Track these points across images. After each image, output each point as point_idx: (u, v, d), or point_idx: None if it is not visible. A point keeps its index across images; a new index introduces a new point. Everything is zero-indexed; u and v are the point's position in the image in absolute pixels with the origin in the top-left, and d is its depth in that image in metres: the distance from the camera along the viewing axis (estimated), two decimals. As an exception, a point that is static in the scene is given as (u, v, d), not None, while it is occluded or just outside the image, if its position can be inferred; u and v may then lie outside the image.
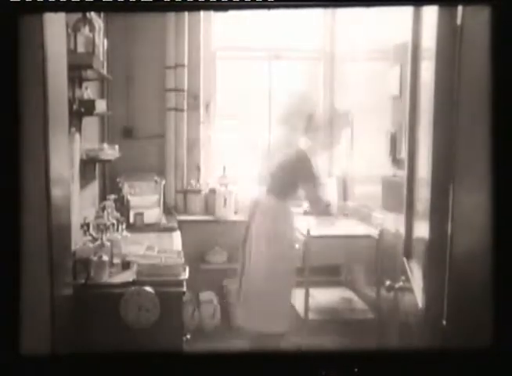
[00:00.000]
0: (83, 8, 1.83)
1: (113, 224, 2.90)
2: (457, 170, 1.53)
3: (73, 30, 2.69)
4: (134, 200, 3.92)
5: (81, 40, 2.69)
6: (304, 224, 3.70)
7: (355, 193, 4.25)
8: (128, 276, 2.60)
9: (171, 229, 3.83)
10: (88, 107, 2.99)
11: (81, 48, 2.69)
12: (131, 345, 2.36)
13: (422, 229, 1.80)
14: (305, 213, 4.27)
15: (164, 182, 4.29)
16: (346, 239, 3.72)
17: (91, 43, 2.75)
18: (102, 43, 3.05)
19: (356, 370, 1.35)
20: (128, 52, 4.37)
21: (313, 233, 3.59)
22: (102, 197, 3.95)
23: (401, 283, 2.05)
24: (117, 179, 4.15)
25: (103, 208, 3.24)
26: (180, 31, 4.38)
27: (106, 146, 3.51)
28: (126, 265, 2.71)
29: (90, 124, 3.47)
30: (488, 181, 1.28)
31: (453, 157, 1.54)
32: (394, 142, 3.36)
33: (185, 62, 4.41)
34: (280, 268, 3.48)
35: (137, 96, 4.46)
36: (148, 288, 2.46)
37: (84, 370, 1.41)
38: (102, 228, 2.81)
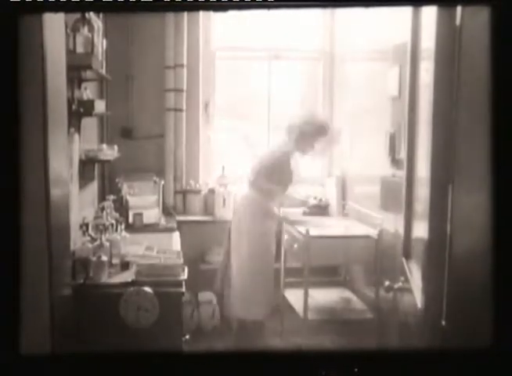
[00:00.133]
0: (82, 8, 1.83)
1: (112, 224, 2.90)
2: (456, 170, 1.53)
3: (73, 30, 2.68)
4: (133, 201, 3.91)
5: (80, 40, 2.69)
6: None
7: (355, 193, 4.25)
8: (127, 276, 2.60)
9: (170, 230, 3.83)
10: (87, 107, 2.98)
11: (80, 49, 2.68)
12: (130, 345, 2.36)
13: (421, 230, 1.80)
14: (305, 213, 4.29)
15: (163, 182, 4.28)
16: (345, 239, 3.72)
17: (91, 43, 2.74)
18: (101, 43, 3.04)
19: (356, 370, 1.35)
20: (127, 52, 4.36)
21: (312, 233, 3.59)
22: (102, 197, 3.95)
23: (400, 284, 2.05)
24: (116, 179, 4.15)
25: (102, 208, 3.24)
26: (179, 31, 4.37)
27: (105, 146, 3.51)
28: (125, 266, 2.71)
29: (89, 124, 3.46)
30: (488, 181, 1.29)
31: (452, 158, 1.54)
32: (393, 142, 3.36)
33: (185, 62, 4.41)
34: (258, 261, 3.80)
35: (136, 96, 4.45)
36: (147, 288, 2.46)
37: (83, 370, 1.41)
38: (101, 228, 2.82)
